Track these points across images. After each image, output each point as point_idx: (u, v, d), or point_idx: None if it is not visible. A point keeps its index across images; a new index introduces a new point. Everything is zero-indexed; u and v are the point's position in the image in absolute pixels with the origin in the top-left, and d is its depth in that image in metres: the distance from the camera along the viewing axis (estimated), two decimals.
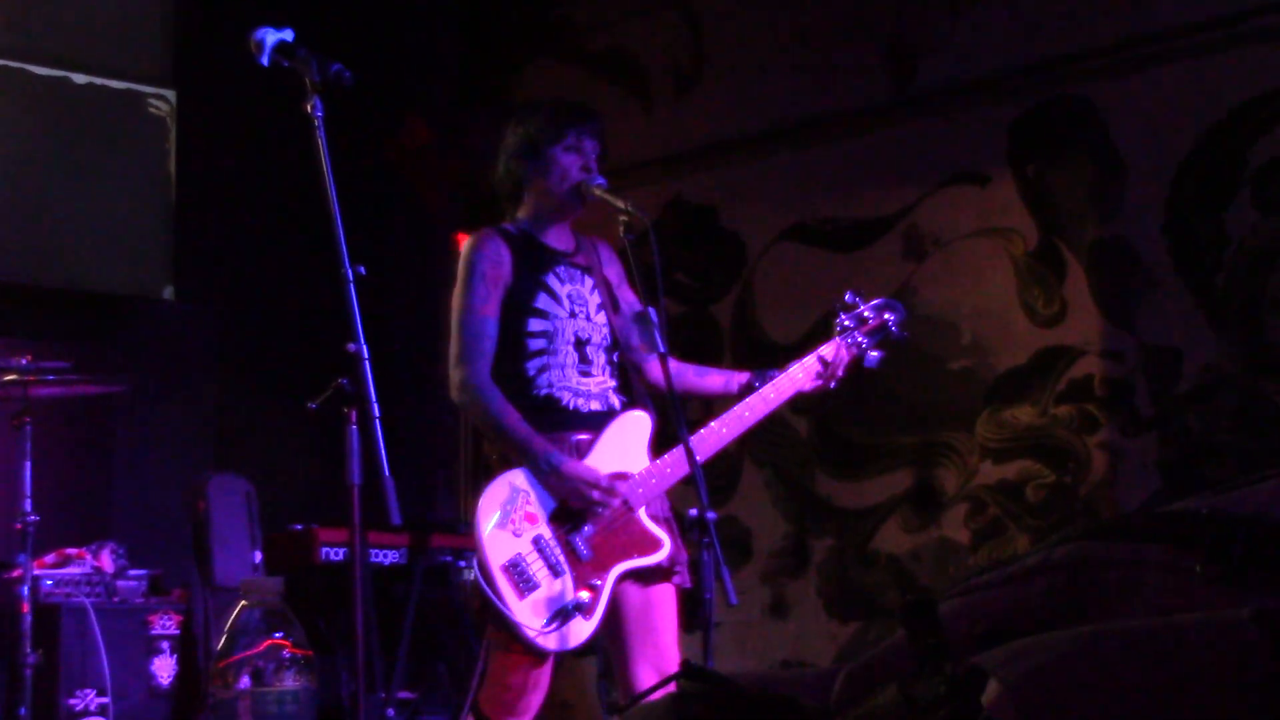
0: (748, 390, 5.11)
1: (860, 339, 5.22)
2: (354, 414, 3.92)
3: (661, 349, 4.75)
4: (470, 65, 9.99)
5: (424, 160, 9.82)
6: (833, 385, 5.16)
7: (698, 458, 4.65)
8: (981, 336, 7.86)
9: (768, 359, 8.13)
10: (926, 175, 8.09)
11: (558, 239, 5.11)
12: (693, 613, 4.75)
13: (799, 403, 5.64)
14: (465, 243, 5.01)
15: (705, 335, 8.81)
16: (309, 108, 4.08)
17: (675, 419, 4.70)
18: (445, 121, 9.93)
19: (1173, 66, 7.39)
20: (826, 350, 5.16)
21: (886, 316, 5.28)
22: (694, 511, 4.51)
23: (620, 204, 4.85)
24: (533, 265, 5.00)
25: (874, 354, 5.24)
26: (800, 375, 5.12)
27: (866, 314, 5.27)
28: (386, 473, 3.82)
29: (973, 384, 7.87)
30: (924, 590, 7.65)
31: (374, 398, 3.90)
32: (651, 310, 4.80)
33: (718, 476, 8.26)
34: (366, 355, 3.92)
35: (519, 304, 4.95)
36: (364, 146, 9.06)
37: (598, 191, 4.96)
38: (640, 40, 9.29)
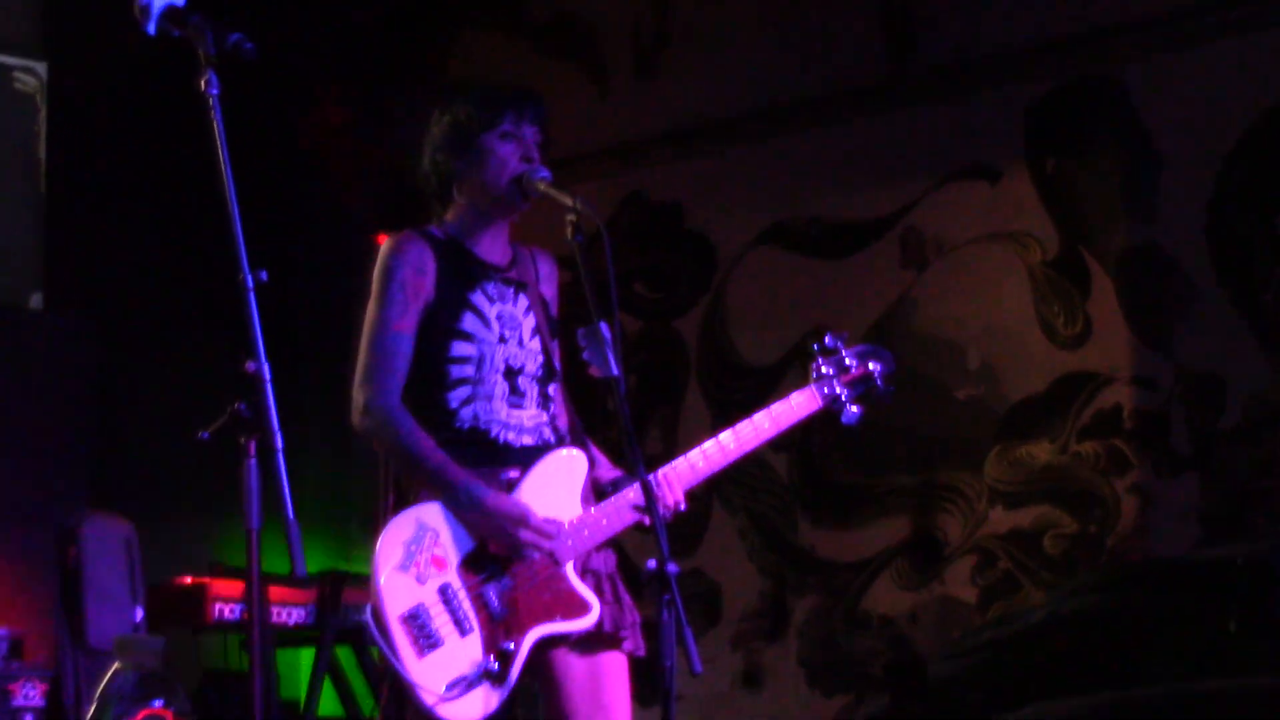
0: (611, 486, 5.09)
1: (838, 390, 5.21)
2: (253, 445, 3.91)
3: (615, 371, 4.74)
4: (393, 36, 10.00)
5: (339, 148, 9.83)
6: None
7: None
8: (992, 360, 7.90)
9: (740, 382, 8.19)
10: (928, 169, 8.13)
11: (491, 249, 5.09)
12: (650, 683, 4.75)
13: (778, 439, 5.62)
14: (383, 246, 4.98)
15: (668, 356, 8.83)
16: (203, 84, 4.06)
17: (630, 453, 4.69)
18: (364, 102, 9.93)
19: (1216, 44, 7.45)
20: (797, 398, 5.16)
21: (871, 367, 5.23)
22: (652, 563, 4.51)
23: (568, 200, 4.83)
24: (459, 279, 4.98)
25: (853, 409, 5.19)
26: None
27: (848, 361, 5.23)
28: (291, 516, 3.81)
29: (981, 416, 7.91)
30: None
31: (277, 426, 3.89)
32: (603, 326, 4.79)
33: (681, 523, 8.24)
34: (269, 376, 3.91)
35: (441, 324, 4.94)
36: (268, 131, 9.06)
37: (541, 185, 4.93)
38: (595, 8, 9.31)
